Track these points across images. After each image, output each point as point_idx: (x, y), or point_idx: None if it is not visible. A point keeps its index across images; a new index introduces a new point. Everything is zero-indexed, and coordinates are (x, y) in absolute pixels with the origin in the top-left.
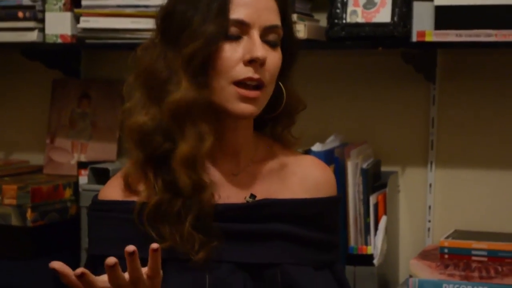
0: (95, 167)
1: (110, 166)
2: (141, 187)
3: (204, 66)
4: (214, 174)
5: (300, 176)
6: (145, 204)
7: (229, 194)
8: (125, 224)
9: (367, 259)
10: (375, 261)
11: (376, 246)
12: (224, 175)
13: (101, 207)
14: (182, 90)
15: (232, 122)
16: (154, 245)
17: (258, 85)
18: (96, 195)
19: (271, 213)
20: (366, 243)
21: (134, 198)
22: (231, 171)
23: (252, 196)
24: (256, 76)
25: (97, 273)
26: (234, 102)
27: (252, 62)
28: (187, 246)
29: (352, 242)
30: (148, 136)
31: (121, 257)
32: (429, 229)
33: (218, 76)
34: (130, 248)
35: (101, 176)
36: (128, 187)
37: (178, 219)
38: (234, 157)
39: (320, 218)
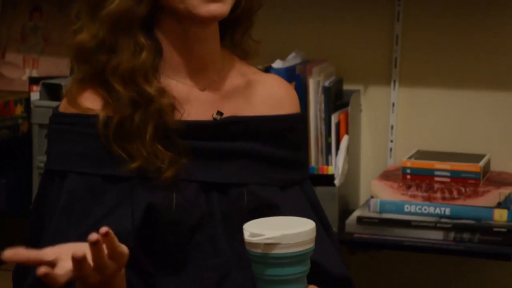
0: (47, 82)
1: (62, 82)
2: (95, 104)
3: None
4: (180, 90)
5: (264, 95)
6: (109, 119)
7: (196, 110)
8: (89, 139)
9: (328, 180)
10: (336, 182)
11: (337, 166)
12: (191, 91)
13: (62, 120)
14: (117, 1)
15: (199, 31)
16: (103, 230)
17: None
18: (57, 107)
19: (237, 131)
20: (327, 163)
21: (94, 112)
22: (199, 86)
23: (219, 113)
24: None
25: (53, 188)
26: (201, 5)
27: None
28: (156, 162)
29: (313, 162)
30: (89, 53)
31: (82, 173)
32: (391, 149)
33: None
34: (94, 236)
35: (54, 92)
36: (75, 103)
37: (140, 135)
38: (201, 71)
39: (285, 136)
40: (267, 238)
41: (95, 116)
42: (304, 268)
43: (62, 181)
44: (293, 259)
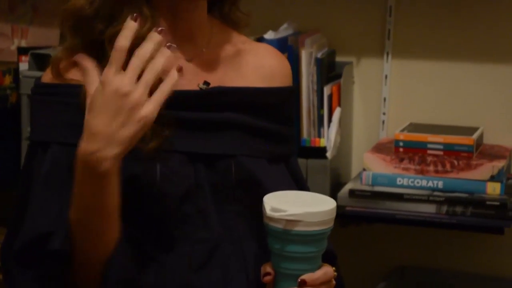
0: (37, 52)
1: (52, 52)
2: (79, 75)
3: None
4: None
5: (256, 65)
6: None
7: (182, 81)
8: (71, 109)
9: (320, 152)
10: (328, 154)
11: (329, 138)
12: (177, 61)
13: (45, 90)
14: None
15: (186, 3)
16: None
17: None
18: (39, 78)
19: (226, 102)
20: (319, 136)
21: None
22: (186, 56)
23: (206, 83)
24: None
25: (37, 160)
26: None
27: None
28: None
29: (304, 135)
30: (86, 21)
31: (64, 144)
32: (383, 122)
33: None
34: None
35: (42, 62)
36: (59, 73)
37: None
38: (188, 41)
39: (275, 109)
40: (290, 215)
41: (79, 86)
42: (322, 247)
43: (44, 152)
44: (313, 237)
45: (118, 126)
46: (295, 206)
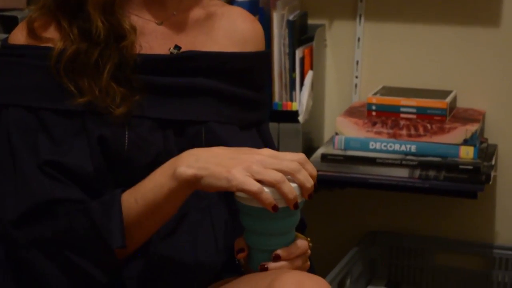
0: (3, 15)
1: (19, 14)
2: (52, 34)
3: None
4: (136, 22)
5: (228, 29)
6: (62, 52)
7: (152, 44)
8: (39, 72)
9: (292, 116)
10: (300, 118)
11: (301, 102)
12: (147, 24)
13: (11, 52)
14: None
15: None
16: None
17: None
18: (6, 39)
19: (197, 67)
20: (291, 99)
21: (46, 45)
22: (156, 19)
23: (177, 47)
24: None
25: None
26: None
27: None
28: (107, 99)
29: (276, 98)
30: None
31: (32, 108)
32: (356, 85)
33: None
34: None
35: (10, 24)
36: (33, 32)
37: (97, 71)
38: (159, 4)
39: (247, 74)
40: None
41: (47, 48)
42: (295, 220)
43: (11, 116)
44: (286, 213)
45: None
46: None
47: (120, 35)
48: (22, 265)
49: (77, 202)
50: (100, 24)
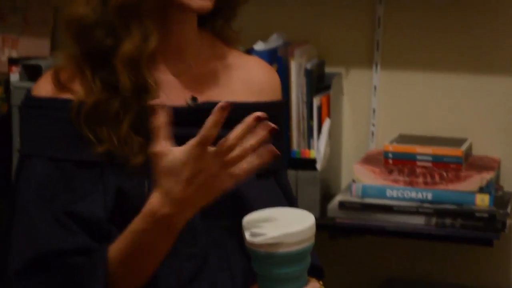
0: (27, 63)
1: (42, 63)
2: (76, 85)
3: None
4: (154, 74)
5: (244, 79)
6: (82, 103)
7: (169, 96)
8: (60, 123)
9: (310, 164)
10: (318, 166)
11: (319, 150)
12: (165, 76)
13: (35, 104)
14: None
15: (179, 16)
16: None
17: None
18: (29, 91)
19: None
20: (309, 147)
21: (69, 96)
22: (173, 71)
23: (194, 99)
24: None
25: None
26: None
27: None
28: (125, 149)
29: (294, 146)
30: (89, 29)
31: (53, 158)
32: (373, 133)
33: None
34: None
35: (33, 73)
36: (59, 82)
37: (116, 121)
38: (177, 56)
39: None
40: (270, 238)
41: (68, 101)
42: (306, 263)
43: (33, 166)
44: (296, 257)
45: (195, 191)
46: (274, 228)
47: (144, 90)
48: None
49: (80, 252)
50: (126, 79)
